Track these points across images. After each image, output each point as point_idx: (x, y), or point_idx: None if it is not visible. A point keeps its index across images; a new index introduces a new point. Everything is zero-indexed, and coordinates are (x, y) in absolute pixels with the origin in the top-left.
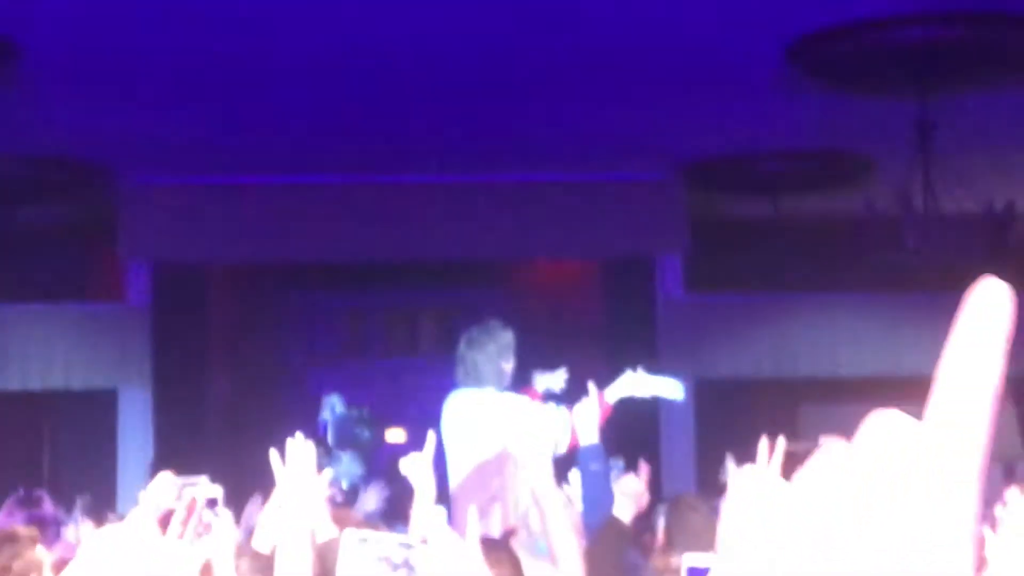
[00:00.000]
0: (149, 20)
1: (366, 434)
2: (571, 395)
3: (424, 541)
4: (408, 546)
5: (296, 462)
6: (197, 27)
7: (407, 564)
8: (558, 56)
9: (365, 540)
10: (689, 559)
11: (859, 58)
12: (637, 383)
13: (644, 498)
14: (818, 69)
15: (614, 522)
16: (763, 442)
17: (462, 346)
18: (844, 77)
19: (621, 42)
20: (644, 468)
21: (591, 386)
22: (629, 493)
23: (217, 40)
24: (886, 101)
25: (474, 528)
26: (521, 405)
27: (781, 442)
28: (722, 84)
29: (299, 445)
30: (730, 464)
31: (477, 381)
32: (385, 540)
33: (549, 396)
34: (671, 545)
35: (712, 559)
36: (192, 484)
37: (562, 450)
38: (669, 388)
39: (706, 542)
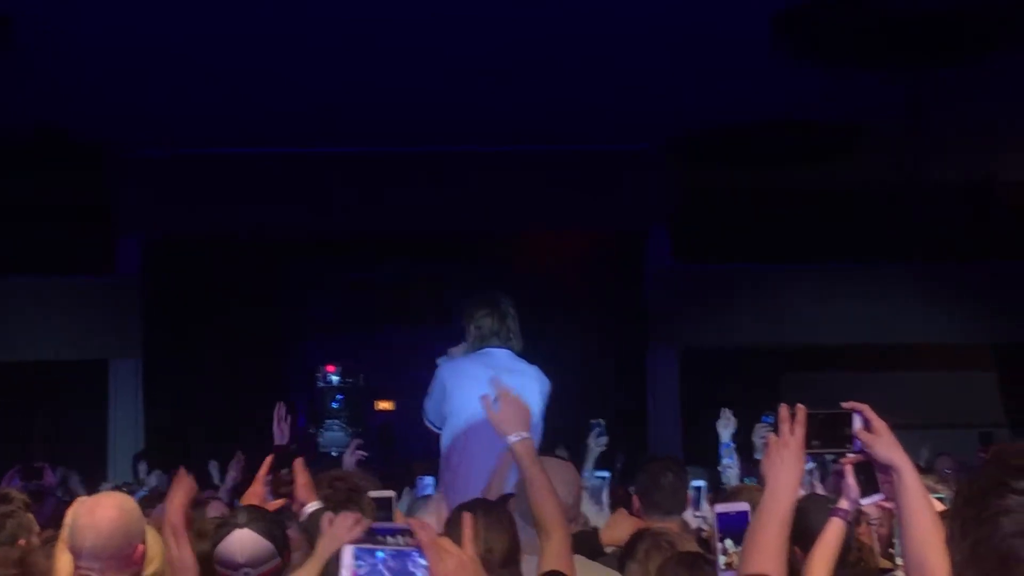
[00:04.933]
0: None
1: (344, 408)
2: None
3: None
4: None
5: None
6: (191, 3)
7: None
8: (549, 30)
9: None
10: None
11: (846, 31)
12: None
13: None
14: (806, 42)
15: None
16: (783, 408)
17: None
18: (831, 50)
19: (610, 16)
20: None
21: None
22: None
23: (212, 16)
24: (873, 73)
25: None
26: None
27: (801, 409)
28: (711, 57)
29: None
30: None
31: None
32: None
33: None
34: (645, 507)
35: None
36: None
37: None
38: None
39: (677, 502)
